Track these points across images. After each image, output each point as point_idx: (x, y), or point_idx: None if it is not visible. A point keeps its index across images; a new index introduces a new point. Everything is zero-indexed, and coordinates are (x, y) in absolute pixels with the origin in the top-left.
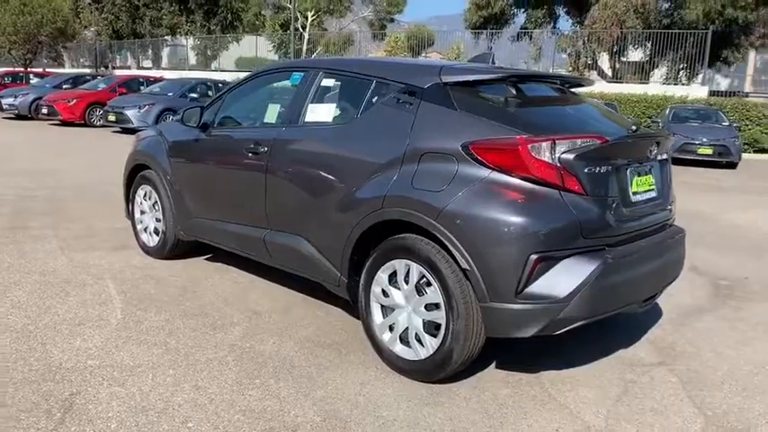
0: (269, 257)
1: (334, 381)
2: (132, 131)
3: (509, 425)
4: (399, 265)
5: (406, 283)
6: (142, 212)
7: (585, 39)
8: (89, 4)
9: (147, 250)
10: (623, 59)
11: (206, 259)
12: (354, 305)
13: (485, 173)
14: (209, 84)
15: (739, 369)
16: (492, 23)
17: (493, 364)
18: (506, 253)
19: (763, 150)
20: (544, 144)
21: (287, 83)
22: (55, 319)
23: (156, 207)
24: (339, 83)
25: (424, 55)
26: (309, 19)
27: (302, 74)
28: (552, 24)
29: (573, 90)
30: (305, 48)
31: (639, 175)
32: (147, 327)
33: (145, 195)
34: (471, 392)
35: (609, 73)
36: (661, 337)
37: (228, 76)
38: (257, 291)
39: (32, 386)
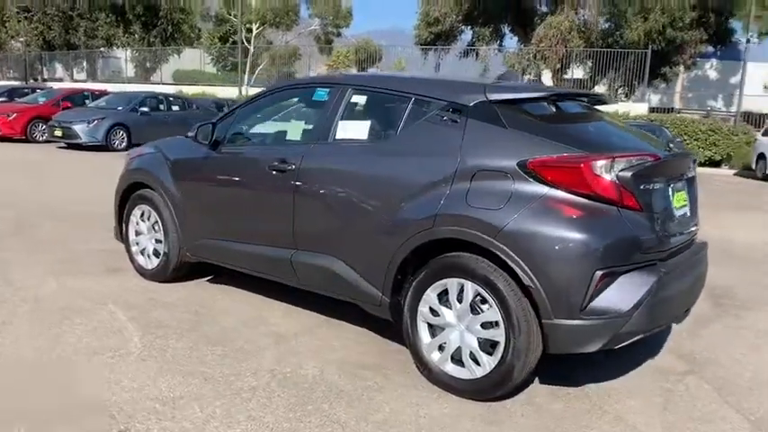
0: (295, 279)
1: (388, 403)
2: (79, 147)
3: None
4: (452, 283)
5: (459, 301)
6: (138, 233)
7: (532, 56)
8: (17, 12)
9: (143, 273)
10: (565, 77)
11: (208, 281)
12: (397, 325)
13: (543, 190)
14: (159, 97)
15: (761, 374)
16: (441, 40)
17: (536, 380)
18: (572, 270)
19: (700, 164)
20: (605, 162)
21: (309, 98)
22: (69, 350)
23: (157, 228)
24: (372, 100)
25: (377, 68)
26: (254, 32)
27: (327, 90)
28: (499, 42)
29: (597, 107)
30: (249, 61)
31: (678, 192)
32: (173, 355)
33: (142, 215)
34: (526, 409)
35: None
36: (679, 346)
37: (170, 90)
38: (273, 313)
39: (74, 424)
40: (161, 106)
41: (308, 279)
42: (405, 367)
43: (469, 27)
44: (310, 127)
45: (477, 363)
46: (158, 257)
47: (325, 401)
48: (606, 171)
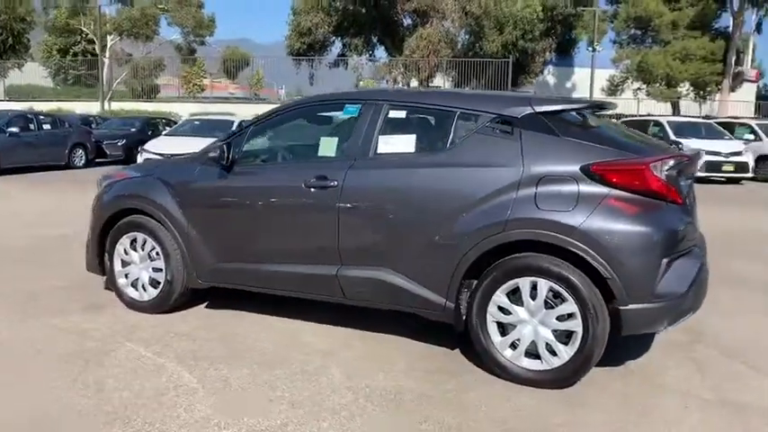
0: (341, 294)
1: (482, 402)
2: None
3: (653, 413)
4: (524, 282)
5: (532, 298)
6: (127, 264)
7: (404, 66)
8: None
9: (134, 305)
10: (431, 85)
11: (206, 307)
12: (459, 329)
13: (606, 191)
14: (29, 116)
15: (748, 338)
16: (314, 50)
17: None
18: (646, 259)
19: None
20: (659, 163)
21: (335, 114)
22: (126, 395)
23: (154, 255)
24: (412, 114)
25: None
26: (109, 43)
27: (359, 106)
28: (370, 52)
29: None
30: (105, 73)
31: (690, 186)
32: (241, 385)
33: (132, 244)
34: (593, 390)
35: None
36: None
37: (16, 107)
38: (303, 331)
39: None
40: (31, 126)
41: (357, 293)
42: (467, 367)
43: (340, 38)
44: (345, 142)
45: (553, 354)
46: (156, 287)
47: (426, 408)
48: (659, 171)
